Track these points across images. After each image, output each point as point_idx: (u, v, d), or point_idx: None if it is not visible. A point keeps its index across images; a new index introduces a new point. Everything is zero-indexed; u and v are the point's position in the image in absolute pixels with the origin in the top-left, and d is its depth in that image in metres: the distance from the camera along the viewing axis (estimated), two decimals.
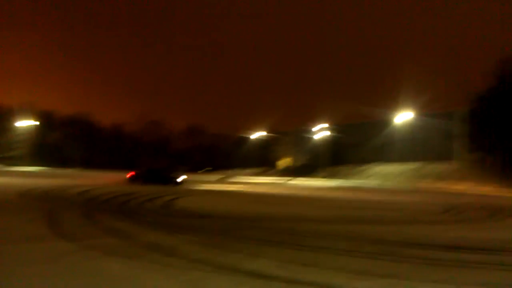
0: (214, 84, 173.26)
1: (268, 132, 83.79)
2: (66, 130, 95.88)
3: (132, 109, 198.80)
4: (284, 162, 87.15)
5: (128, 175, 34.77)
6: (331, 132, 75.58)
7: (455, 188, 49.77)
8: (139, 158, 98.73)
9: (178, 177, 35.13)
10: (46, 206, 14.97)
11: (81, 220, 11.92)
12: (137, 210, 14.98)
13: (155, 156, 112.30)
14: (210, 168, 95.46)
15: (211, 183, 42.04)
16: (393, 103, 68.46)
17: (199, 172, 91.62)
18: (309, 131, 76.33)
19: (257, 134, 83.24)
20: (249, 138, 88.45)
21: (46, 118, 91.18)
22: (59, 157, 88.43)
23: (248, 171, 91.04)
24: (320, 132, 75.44)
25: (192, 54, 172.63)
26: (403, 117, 57.43)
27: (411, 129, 67.37)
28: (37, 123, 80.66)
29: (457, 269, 7.24)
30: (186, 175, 37.36)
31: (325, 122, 75.29)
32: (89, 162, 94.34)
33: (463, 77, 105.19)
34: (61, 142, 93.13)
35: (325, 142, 74.91)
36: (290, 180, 61.73)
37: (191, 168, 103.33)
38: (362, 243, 9.65)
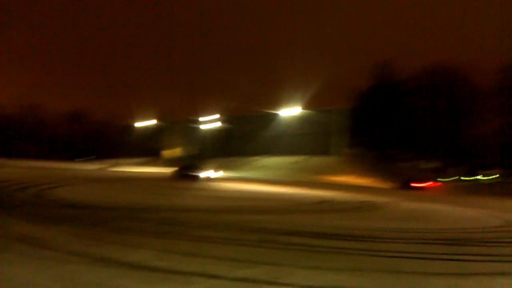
0: (100, 70, 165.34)
1: (156, 121, 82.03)
2: None
3: (7, 91, 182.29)
4: (171, 152, 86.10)
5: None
6: (221, 123, 76.13)
7: (335, 180, 52.93)
8: (15, 143, 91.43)
9: (199, 173, 39.05)
10: None
11: None
12: (8, 200, 13.84)
13: (33, 142, 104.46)
14: (94, 157, 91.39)
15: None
16: (282, 98, 70.75)
17: (78, 160, 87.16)
18: (199, 122, 76.12)
19: (145, 123, 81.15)
20: (136, 126, 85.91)
21: None
22: None
23: (134, 160, 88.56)
24: (210, 123, 75.61)
25: (75, 36, 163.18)
26: (290, 111, 59.56)
27: (297, 124, 70.29)
28: None
29: (332, 256, 7.68)
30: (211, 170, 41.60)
31: (215, 113, 75.62)
32: None
33: (347, 76, 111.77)
34: None
35: (215, 133, 75.23)
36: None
37: (72, 156, 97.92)
38: (243, 232, 9.84)
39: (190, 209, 14.28)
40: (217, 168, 44.41)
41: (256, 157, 74.93)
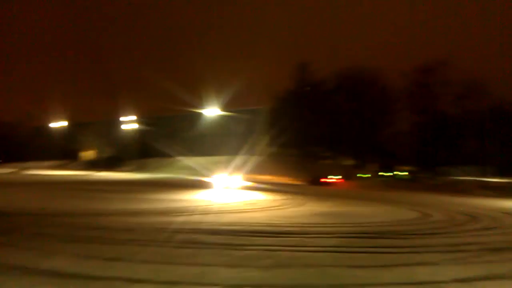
0: (6, 68, 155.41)
1: (72, 122, 78.49)
2: None
3: None
4: (88, 154, 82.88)
5: None
6: (140, 124, 74.35)
7: (258, 178, 53.62)
8: None
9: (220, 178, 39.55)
10: None
11: None
12: None
13: None
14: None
15: None
16: (205, 98, 70.34)
17: None
18: (117, 122, 73.87)
19: (60, 124, 77.29)
20: (48, 128, 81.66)
21: None
22: None
23: (47, 163, 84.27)
24: (129, 123, 73.61)
25: None
26: (213, 111, 59.41)
27: (221, 124, 70.25)
28: None
29: (256, 253, 7.65)
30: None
31: (134, 113, 73.69)
32: None
33: (271, 76, 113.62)
34: None
35: (134, 134, 73.35)
36: (95, 173, 59.08)
37: None
38: (165, 233, 9.63)
39: (105, 213, 13.72)
40: (231, 173, 44.46)
41: (178, 158, 73.95)
